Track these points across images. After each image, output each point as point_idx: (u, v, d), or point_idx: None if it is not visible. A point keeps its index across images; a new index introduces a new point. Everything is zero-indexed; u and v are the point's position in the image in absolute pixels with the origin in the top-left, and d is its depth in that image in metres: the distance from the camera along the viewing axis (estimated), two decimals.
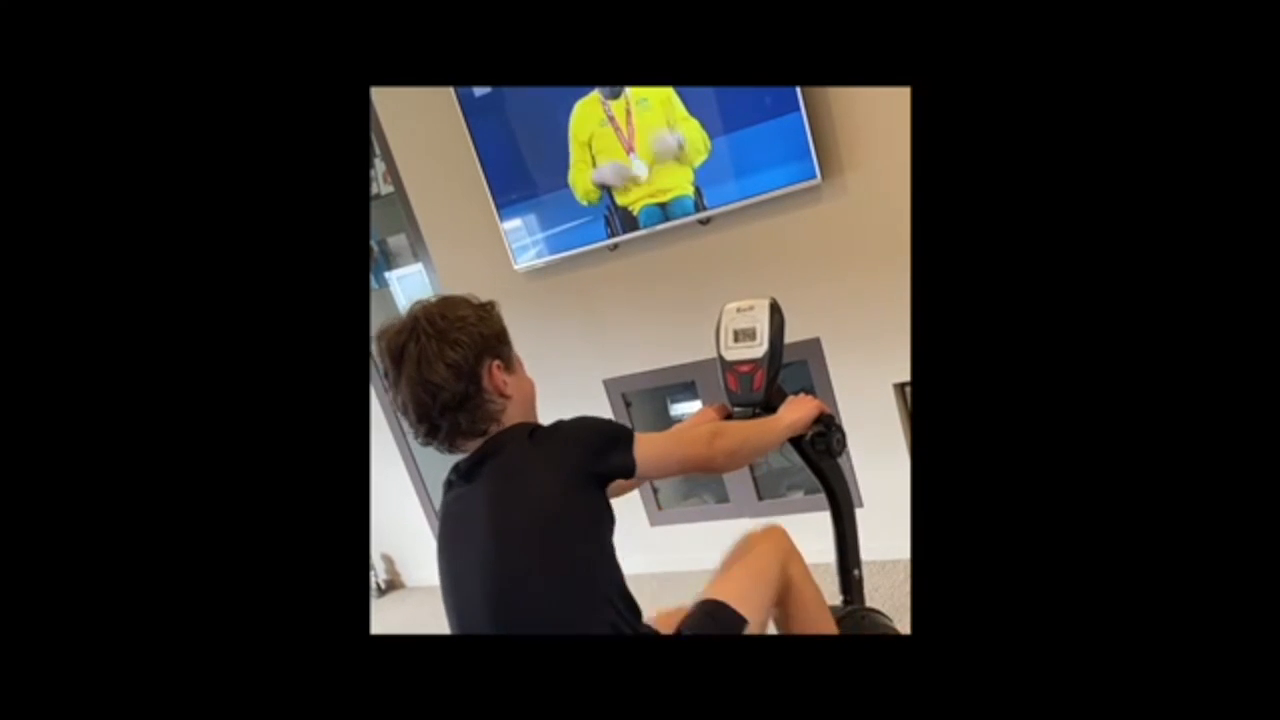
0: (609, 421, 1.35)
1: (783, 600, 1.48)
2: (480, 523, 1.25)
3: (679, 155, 2.44)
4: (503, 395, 1.29)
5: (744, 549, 1.51)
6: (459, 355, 1.24)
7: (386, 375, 1.28)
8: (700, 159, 2.42)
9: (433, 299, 1.31)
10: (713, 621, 1.35)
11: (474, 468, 1.29)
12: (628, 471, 1.29)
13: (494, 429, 1.29)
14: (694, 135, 2.41)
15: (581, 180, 2.63)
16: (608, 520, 1.29)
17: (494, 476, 1.26)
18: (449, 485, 1.35)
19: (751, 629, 1.38)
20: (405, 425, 1.31)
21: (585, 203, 2.65)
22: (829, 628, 1.54)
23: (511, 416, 1.31)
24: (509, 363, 1.32)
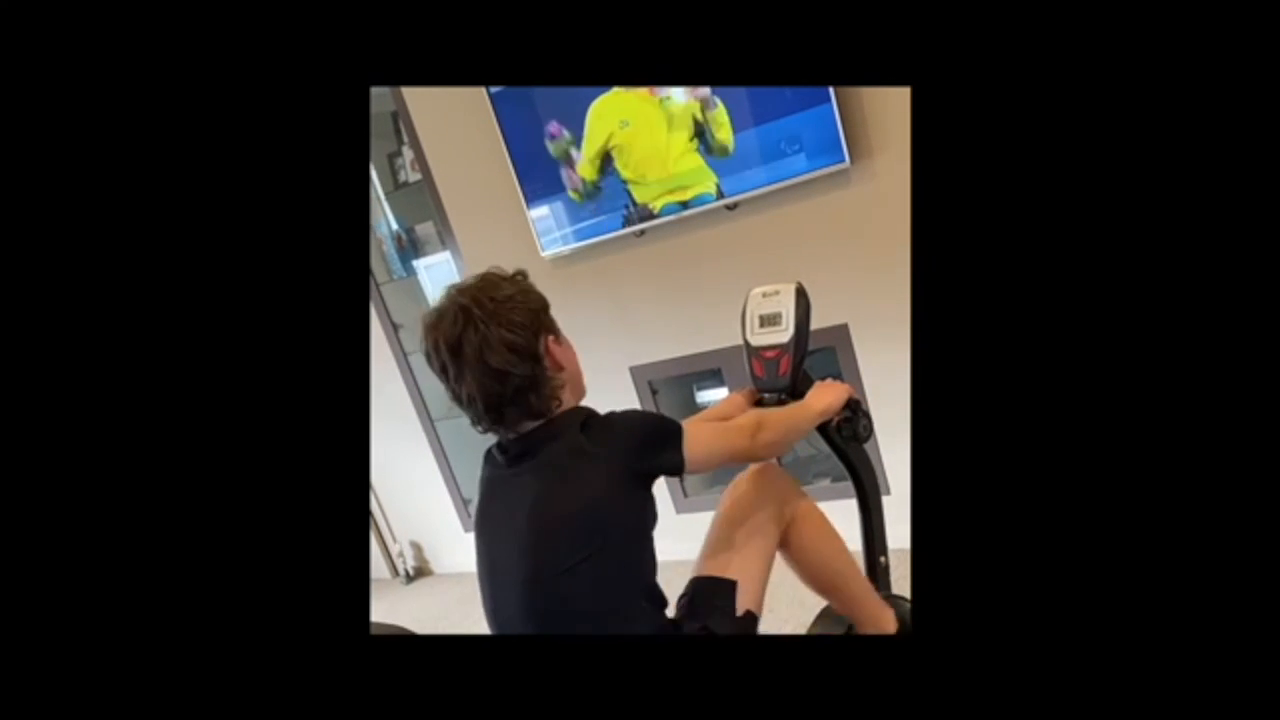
0: (661, 417, 1.35)
1: (785, 541, 1.50)
2: (523, 512, 1.24)
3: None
4: (560, 368, 1.29)
5: (727, 502, 1.52)
6: (519, 337, 1.23)
7: (445, 370, 1.25)
8: (721, 153, 2.41)
9: (468, 282, 1.28)
10: (701, 597, 1.36)
11: (523, 454, 1.28)
12: (676, 469, 1.29)
13: (555, 406, 1.28)
14: (721, 133, 2.40)
15: (589, 172, 2.65)
16: (651, 517, 1.29)
17: (543, 468, 1.26)
18: (492, 460, 1.34)
19: (745, 587, 1.38)
20: (469, 416, 1.29)
21: (588, 181, 2.65)
22: (841, 554, 1.56)
23: (568, 394, 1.31)
24: (556, 333, 1.32)
